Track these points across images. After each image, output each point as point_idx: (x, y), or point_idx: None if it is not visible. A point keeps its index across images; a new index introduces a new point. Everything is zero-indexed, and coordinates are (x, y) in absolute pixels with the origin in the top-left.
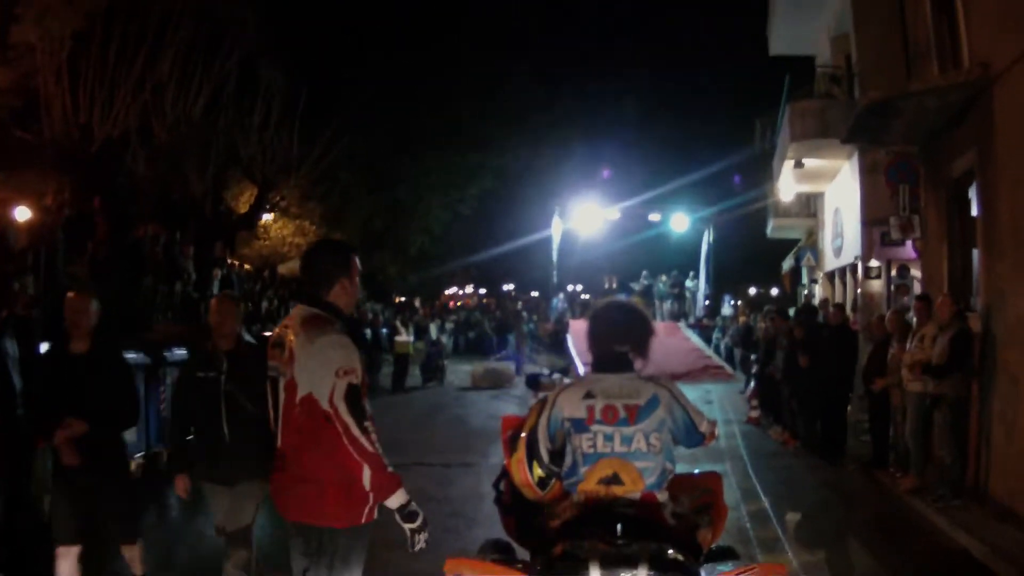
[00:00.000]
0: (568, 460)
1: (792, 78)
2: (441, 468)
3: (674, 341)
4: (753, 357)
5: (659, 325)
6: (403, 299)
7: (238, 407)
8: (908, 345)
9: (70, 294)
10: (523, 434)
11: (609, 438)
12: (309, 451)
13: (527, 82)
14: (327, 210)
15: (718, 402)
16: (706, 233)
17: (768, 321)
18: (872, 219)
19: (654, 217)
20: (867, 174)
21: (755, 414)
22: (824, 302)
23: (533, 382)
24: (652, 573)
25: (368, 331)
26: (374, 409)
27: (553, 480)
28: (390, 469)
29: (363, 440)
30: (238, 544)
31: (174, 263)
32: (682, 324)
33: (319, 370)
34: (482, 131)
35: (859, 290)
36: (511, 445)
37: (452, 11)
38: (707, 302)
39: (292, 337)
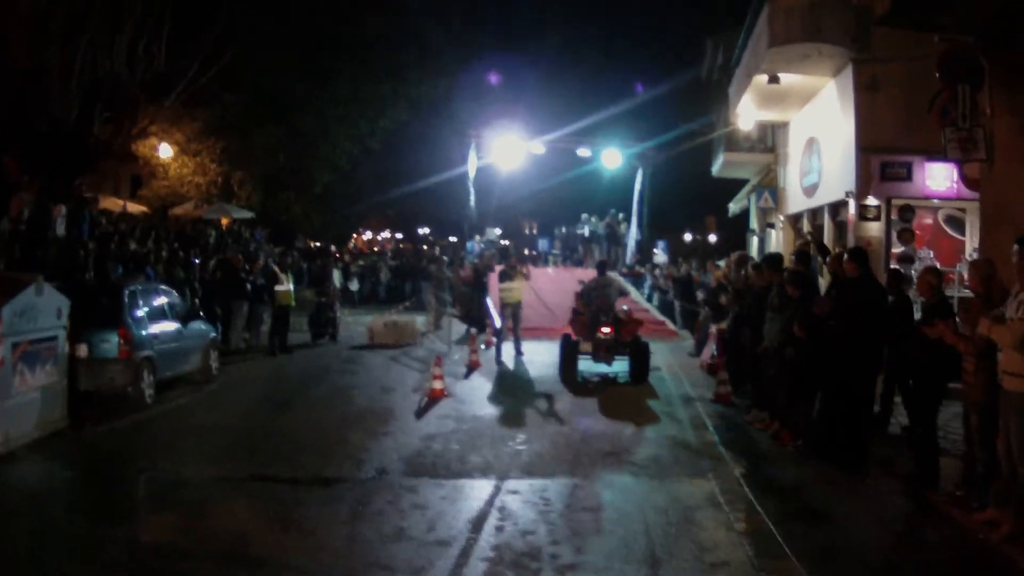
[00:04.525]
0: (590, 300)
1: None
2: (286, 488)
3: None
4: (707, 314)
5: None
6: (318, 244)
7: None
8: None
9: None
10: (581, 294)
11: (599, 294)
12: None
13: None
14: (228, 145)
15: (667, 368)
16: (639, 172)
17: (754, 273)
18: (870, 146)
19: (583, 153)
20: (863, 92)
21: (724, 390)
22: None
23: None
24: (605, 317)
25: (247, 280)
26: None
27: (585, 306)
28: None
29: None
30: None
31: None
32: (615, 274)
33: None
34: (394, 56)
35: (851, 234)
36: (576, 299)
37: None
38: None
39: None
